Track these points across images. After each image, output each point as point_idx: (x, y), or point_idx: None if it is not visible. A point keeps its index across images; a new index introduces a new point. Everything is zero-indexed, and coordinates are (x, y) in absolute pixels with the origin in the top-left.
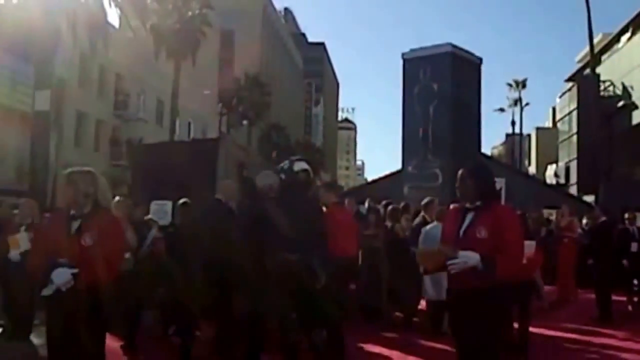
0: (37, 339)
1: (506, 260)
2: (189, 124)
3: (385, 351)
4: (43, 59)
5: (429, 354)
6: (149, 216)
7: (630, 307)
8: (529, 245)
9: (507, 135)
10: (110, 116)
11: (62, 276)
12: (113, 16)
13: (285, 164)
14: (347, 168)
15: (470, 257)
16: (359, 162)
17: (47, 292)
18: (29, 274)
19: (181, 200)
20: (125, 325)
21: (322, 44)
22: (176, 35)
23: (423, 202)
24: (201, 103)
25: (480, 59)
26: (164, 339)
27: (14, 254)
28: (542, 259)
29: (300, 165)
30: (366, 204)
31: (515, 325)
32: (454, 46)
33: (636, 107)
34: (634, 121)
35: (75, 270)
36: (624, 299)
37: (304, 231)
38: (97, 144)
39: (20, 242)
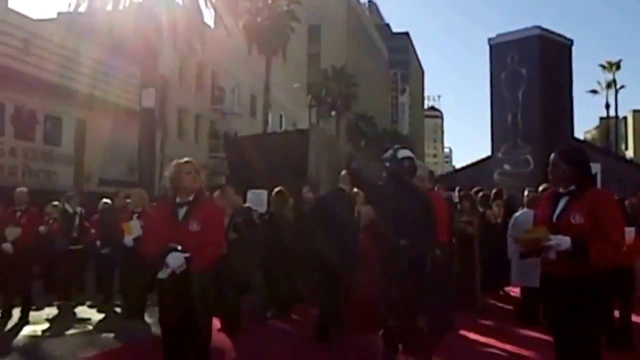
0: (149, 318)
1: (602, 245)
2: (281, 116)
3: (481, 338)
4: (148, 59)
5: (525, 341)
6: (247, 204)
7: None
8: (628, 232)
9: (601, 118)
10: (208, 111)
11: (176, 260)
12: (208, 17)
13: (389, 152)
14: (434, 156)
15: (562, 241)
16: (446, 150)
17: (162, 275)
18: (141, 258)
19: (276, 189)
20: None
21: (406, 34)
22: (267, 32)
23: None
24: (291, 96)
25: (571, 41)
26: (261, 321)
27: (128, 240)
28: None
29: (404, 153)
30: (456, 191)
31: (617, 314)
32: (542, 29)
33: None
34: None
35: (188, 254)
36: None
37: (411, 217)
38: (197, 137)
39: (133, 229)
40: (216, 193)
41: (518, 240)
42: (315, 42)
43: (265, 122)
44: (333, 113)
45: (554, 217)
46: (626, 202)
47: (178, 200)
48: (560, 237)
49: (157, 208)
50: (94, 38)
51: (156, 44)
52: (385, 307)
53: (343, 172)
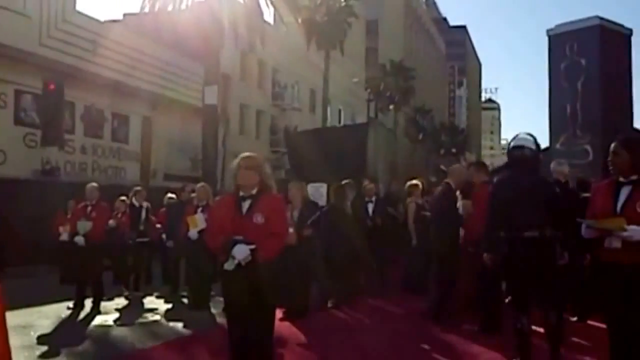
0: (214, 309)
1: None
2: (339, 110)
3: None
4: (210, 57)
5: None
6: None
7: None
8: None
9: None
10: (268, 106)
11: (242, 252)
12: (268, 14)
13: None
14: (491, 148)
15: (638, 232)
16: (503, 142)
17: (229, 266)
18: (206, 250)
19: (335, 184)
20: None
21: (463, 27)
22: (325, 28)
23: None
24: (350, 90)
25: (631, 31)
26: (323, 310)
27: (193, 233)
28: None
29: (514, 142)
30: None
31: None
32: (602, 19)
33: None
34: None
35: (253, 246)
36: None
37: (533, 206)
38: (258, 133)
39: (198, 222)
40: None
41: (591, 227)
42: (373, 36)
43: (325, 117)
44: (391, 107)
45: (618, 207)
46: None
47: (241, 193)
48: (635, 227)
49: (221, 202)
50: (158, 38)
51: (218, 42)
52: (517, 306)
53: (456, 165)
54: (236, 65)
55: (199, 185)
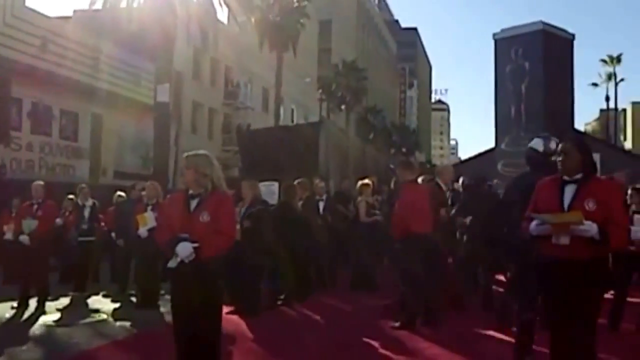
0: (163, 307)
1: (617, 231)
2: (292, 110)
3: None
4: (162, 55)
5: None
6: None
7: None
8: None
9: (601, 110)
10: (221, 105)
11: (185, 250)
12: (221, 13)
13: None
14: (441, 148)
15: (591, 227)
16: (452, 142)
17: (172, 264)
18: (156, 248)
19: (285, 182)
20: (245, 292)
21: (414, 29)
22: (278, 28)
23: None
24: (302, 90)
25: (573, 35)
26: (273, 308)
27: (142, 231)
28: None
29: (530, 143)
30: (460, 181)
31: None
32: (545, 24)
33: None
34: None
35: (196, 244)
36: None
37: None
38: (210, 131)
39: (147, 220)
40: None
41: (548, 222)
42: (326, 37)
43: (277, 116)
44: (343, 107)
45: (565, 204)
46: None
47: (190, 192)
48: (589, 223)
49: (171, 200)
50: (110, 35)
51: (170, 40)
52: (526, 300)
53: (447, 165)
54: (189, 63)
55: (148, 183)
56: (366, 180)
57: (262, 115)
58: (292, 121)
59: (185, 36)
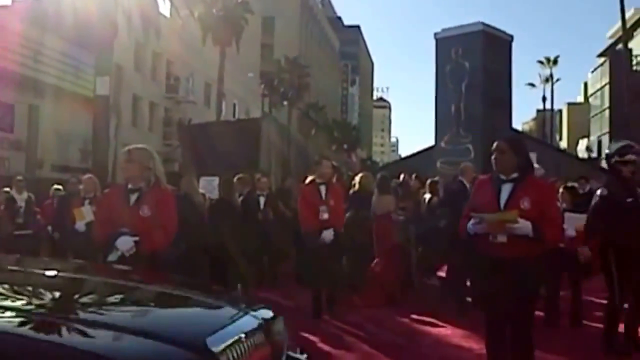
0: None
1: (552, 229)
2: (234, 105)
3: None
4: (102, 48)
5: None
6: (200, 191)
7: None
8: (580, 219)
9: (538, 110)
10: (162, 99)
11: (125, 243)
12: (164, 7)
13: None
14: (382, 145)
15: (526, 225)
16: (393, 139)
17: (112, 257)
18: (93, 242)
19: (224, 177)
20: None
21: (357, 27)
22: (221, 23)
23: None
24: (245, 85)
25: (511, 37)
26: None
27: (80, 225)
28: None
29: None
30: (401, 178)
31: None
32: (485, 24)
33: None
34: None
35: (137, 238)
36: None
37: None
38: (151, 125)
39: (85, 214)
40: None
41: (486, 221)
42: (269, 33)
43: (219, 111)
44: (285, 103)
45: (502, 203)
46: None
47: (130, 186)
48: (524, 221)
49: (110, 193)
50: (50, 26)
51: (111, 32)
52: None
53: (467, 163)
54: (130, 56)
55: (85, 177)
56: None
57: (204, 110)
58: (234, 116)
59: (126, 29)
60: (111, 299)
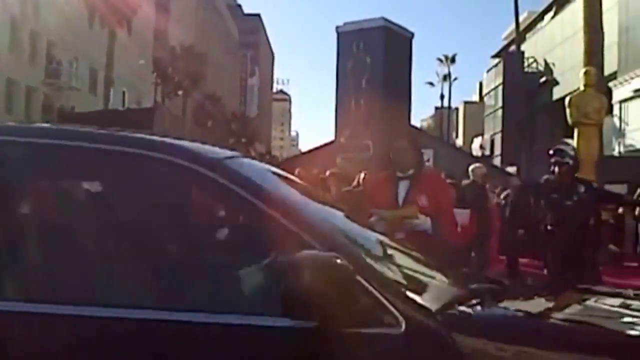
0: None
1: (448, 225)
2: (124, 93)
3: None
4: None
5: None
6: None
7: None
8: (464, 214)
9: (437, 108)
10: (41, 84)
11: None
12: None
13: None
14: (281, 139)
15: (426, 221)
16: (293, 133)
17: None
18: None
19: None
20: None
21: (257, 16)
22: (111, 4)
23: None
24: (136, 73)
25: (412, 34)
26: None
27: None
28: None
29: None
30: (296, 172)
31: None
32: (387, 20)
33: (557, 83)
34: (555, 96)
35: None
36: None
37: None
38: (28, 112)
39: None
40: None
41: (385, 218)
42: (164, 17)
43: (107, 99)
44: (180, 92)
45: (400, 199)
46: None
47: None
48: (423, 217)
49: None
50: None
51: None
52: None
53: (473, 166)
54: (4, 35)
55: None
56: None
57: (89, 98)
58: (123, 105)
59: (0, 2)
60: None
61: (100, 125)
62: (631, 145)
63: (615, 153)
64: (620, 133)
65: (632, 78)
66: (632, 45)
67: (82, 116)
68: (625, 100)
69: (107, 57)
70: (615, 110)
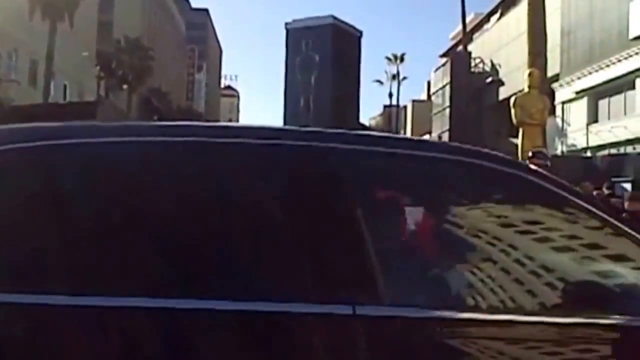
0: None
1: None
2: (65, 86)
3: None
4: None
5: None
6: None
7: None
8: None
9: (385, 106)
10: None
11: None
12: None
13: None
14: None
15: None
16: None
17: None
18: None
19: None
20: None
21: (205, 10)
22: None
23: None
24: (78, 65)
25: (361, 32)
26: None
27: None
28: None
29: None
30: None
31: None
32: (335, 18)
33: (503, 84)
34: (501, 96)
35: None
36: None
37: None
38: None
39: None
40: None
41: None
42: (108, 9)
43: (47, 92)
44: (125, 86)
45: None
46: None
47: None
48: None
49: None
50: None
51: None
52: None
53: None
54: None
55: None
56: None
57: (29, 91)
58: (65, 99)
59: None
60: None
61: (40, 118)
62: (573, 145)
63: (558, 152)
64: (563, 133)
65: (573, 80)
66: (574, 49)
67: (21, 110)
68: (568, 101)
69: (48, 48)
70: (558, 111)
